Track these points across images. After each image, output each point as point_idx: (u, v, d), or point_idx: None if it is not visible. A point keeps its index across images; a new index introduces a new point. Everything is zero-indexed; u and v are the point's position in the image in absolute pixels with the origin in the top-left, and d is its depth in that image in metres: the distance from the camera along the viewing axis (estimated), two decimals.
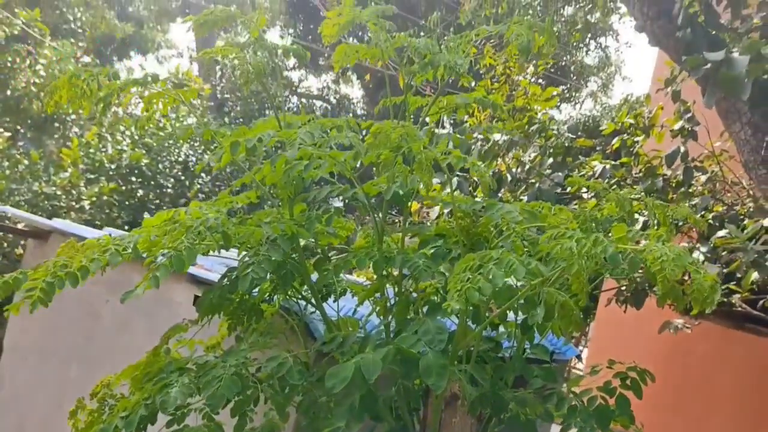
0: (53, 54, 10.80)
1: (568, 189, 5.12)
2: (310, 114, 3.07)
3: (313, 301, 2.89)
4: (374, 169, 2.57)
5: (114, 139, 10.74)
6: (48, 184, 9.54)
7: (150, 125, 9.92)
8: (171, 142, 11.05)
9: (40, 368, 4.86)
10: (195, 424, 2.53)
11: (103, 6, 18.22)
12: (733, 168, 5.04)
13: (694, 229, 4.71)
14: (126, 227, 8.91)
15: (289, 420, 2.60)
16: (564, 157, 5.60)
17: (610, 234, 2.28)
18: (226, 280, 2.72)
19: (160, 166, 10.89)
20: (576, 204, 4.93)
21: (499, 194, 5.66)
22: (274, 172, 2.61)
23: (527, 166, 5.64)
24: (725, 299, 4.41)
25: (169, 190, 10.73)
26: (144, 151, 10.72)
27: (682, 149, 4.90)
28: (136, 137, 10.87)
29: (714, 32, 3.82)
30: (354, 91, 25.08)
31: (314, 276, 2.83)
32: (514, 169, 5.74)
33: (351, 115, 22.06)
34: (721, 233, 4.30)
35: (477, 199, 3.02)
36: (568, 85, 20.21)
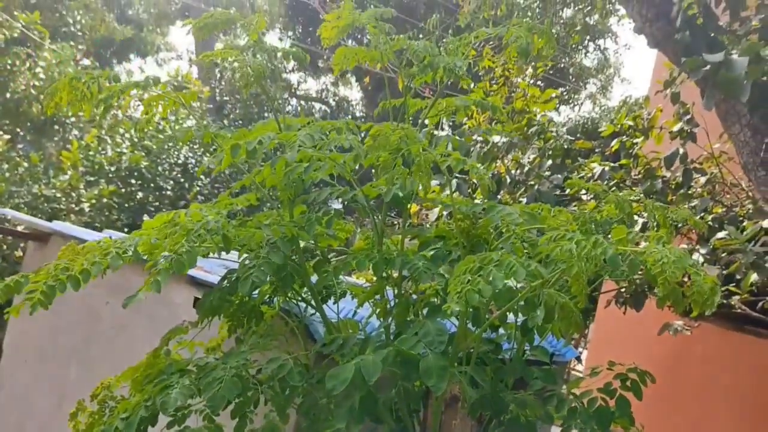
0: (53, 57, 10.80)
1: (567, 191, 5.13)
2: (309, 116, 3.07)
3: (313, 303, 2.89)
4: (373, 171, 2.57)
5: (113, 142, 10.75)
6: (48, 187, 9.54)
7: (149, 128, 9.94)
8: (170, 144, 11.06)
9: (40, 370, 4.86)
10: (195, 426, 2.53)
11: (102, 9, 18.22)
12: (733, 170, 5.04)
13: (693, 231, 4.71)
14: (126, 229, 8.92)
15: (289, 421, 2.61)
16: (563, 159, 5.61)
17: (609, 236, 2.28)
18: (226, 282, 2.73)
19: (160, 168, 10.90)
20: (575, 206, 4.94)
21: (498, 196, 5.66)
22: (274, 175, 2.61)
23: (526, 168, 5.65)
24: (724, 301, 4.41)
25: (168, 193, 10.73)
26: (143, 154, 10.73)
27: (681, 151, 4.90)
28: (136, 140, 10.88)
29: (713, 34, 3.83)
30: (353, 93, 25.13)
31: (314, 278, 2.83)
32: (513, 171, 5.74)
33: (350, 117, 22.08)
34: (720, 235, 4.31)
35: (476, 201, 3.03)
36: (567, 88, 20.24)
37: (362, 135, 2.76)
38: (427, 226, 4.07)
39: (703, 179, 5.04)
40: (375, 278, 2.84)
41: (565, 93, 20.18)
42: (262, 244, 2.54)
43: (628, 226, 2.40)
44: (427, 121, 3.13)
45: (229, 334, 2.95)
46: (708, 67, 3.39)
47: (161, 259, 2.17)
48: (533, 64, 6.49)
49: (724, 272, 4.19)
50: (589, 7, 9.65)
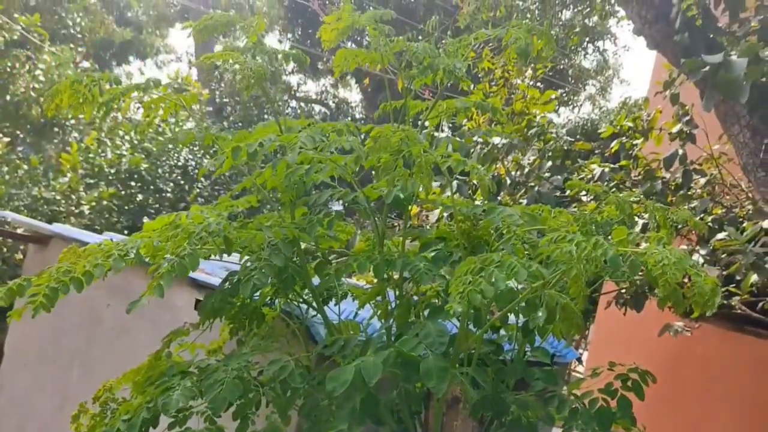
0: (52, 59, 10.80)
1: (568, 192, 5.13)
2: (308, 118, 3.08)
3: (314, 304, 2.89)
4: (374, 173, 2.58)
5: (113, 144, 10.75)
6: (47, 189, 9.54)
7: (149, 130, 9.95)
8: (170, 146, 11.06)
9: (41, 372, 4.86)
10: (197, 427, 2.54)
11: (101, 11, 18.24)
12: (732, 171, 5.05)
13: (693, 232, 4.72)
14: (125, 232, 8.92)
15: (290, 423, 2.61)
16: (563, 160, 5.62)
17: (610, 237, 2.29)
18: (227, 284, 2.73)
19: (160, 170, 10.89)
20: (575, 207, 4.94)
21: (498, 198, 5.67)
22: (275, 176, 2.62)
23: (526, 170, 5.65)
24: (725, 301, 4.41)
25: (168, 195, 10.73)
26: (143, 156, 10.73)
27: (681, 152, 4.91)
28: (136, 142, 10.88)
29: (712, 35, 3.84)
30: (353, 95, 25.15)
31: (315, 280, 2.84)
32: (513, 173, 5.75)
33: (350, 119, 22.06)
34: (720, 236, 4.31)
35: (477, 203, 3.03)
36: (567, 89, 20.26)
37: (362, 137, 2.77)
38: (428, 227, 4.07)
39: (702, 180, 5.05)
40: (375, 280, 2.84)
41: (564, 94, 20.21)
42: (264, 246, 2.55)
43: (628, 227, 2.40)
44: (427, 123, 3.14)
45: (231, 336, 2.95)
46: (707, 68, 3.40)
47: (164, 263, 2.17)
48: (532, 65, 6.50)
49: (724, 273, 4.20)
50: (588, 9, 9.67)
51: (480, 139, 5.62)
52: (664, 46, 3.97)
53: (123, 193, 10.17)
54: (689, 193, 4.94)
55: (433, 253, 2.75)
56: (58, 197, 9.41)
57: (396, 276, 2.80)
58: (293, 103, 24.34)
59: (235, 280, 2.67)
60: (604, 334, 7.63)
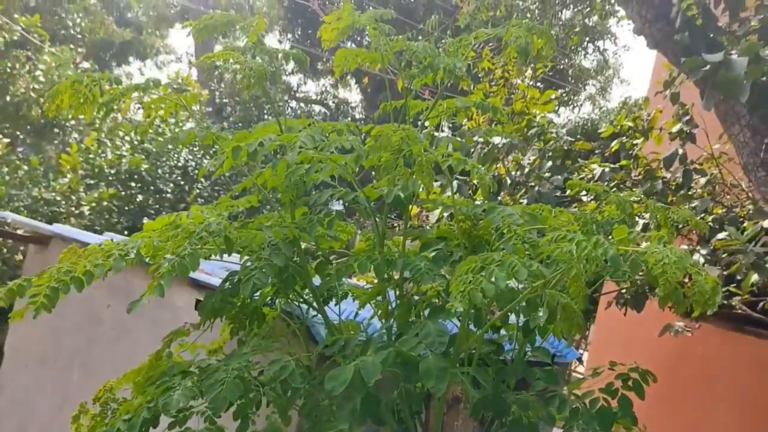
0: (52, 60, 10.80)
1: (568, 192, 5.13)
2: (308, 119, 3.07)
3: (314, 304, 2.89)
4: (374, 173, 2.57)
5: (113, 145, 10.75)
6: (47, 190, 9.54)
7: (150, 130, 9.95)
8: (170, 147, 11.07)
9: (42, 373, 4.86)
10: (197, 427, 2.54)
11: (101, 12, 18.24)
12: (733, 170, 5.05)
13: (693, 232, 4.72)
14: (126, 232, 8.92)
15: (291, 423, 2.61)
16: (563, 160, 5.62)
17: (611, 236, 2.28)
18: (227, 284, 2.73)
19: (160, 171, 10.90)
20: (576, 207, 4.94)
21: (499, 198, 5.67)
22: (276, 176, 2.62)
23: (526, 170, 5.66)
24: (725, 301, 4.41)
25: (168, 195, 10.73)
26: (143, 156, 10.73)
27: (681, 152, 4.91)
28: (136, 142, 10.88)
29: (712, 35, 3.83)
30: (352, 95, 25.15)
31: (316, 280, 2.84)
32: (513, 173, 5.75)
33: (350, 119, 22.07)
34: (720, 235, 4.31)
35: (477, 203, 3.03)
36: (567, 89, 20.26)
37: (363, 137, 2.77)
38: (428, 227, 4.07)
39: (703, 180, 5.05)
40: (376, 280, 2.84)
41: (564, 94, 20.21)
42: (264, 246, 2.54)
43: (629, 227, 2.40)
44: (427, 123, 3.13)
45: (231, 336, 2.95)
46: (707, 67, 3.39)
47: (164, 262, 2.17)
48: (532, 65, 6.50)
49: (725, 273, 4.20)
50: (588, 9, 9.67)
51: (480, 139, 5.62)
52: (664, 45, 3.97)
53: (123, 193, 10.17)
54: (690, 192, 4.94)
55: (433, 253, 2.74)
56: (58, 198, 9.42)
57: (396, 276, 2.80)
58: (293, 104, 24.35)
59: (235, 280, 2.67)
60: (604, 334, 7.62)
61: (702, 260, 4.35)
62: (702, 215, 4.61)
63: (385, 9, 3.03)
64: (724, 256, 4.28)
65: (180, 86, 11.68)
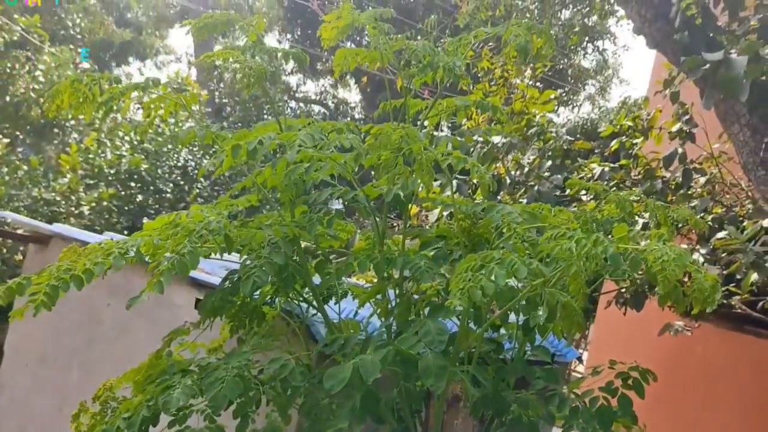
0: (52, 60, 10.81)
1: (567, 191, 5.13)
2: (308, 118, 3.07)
3: (314, 303, 2.89)
4: (373, 172, 2.57)
5: (113, 145, 10.76)
6: (47, 190, 9.55)
7: (149, 130, 9.96)
8: (170, 146, 11.07)
9: (41, 372, 4.86)
10: (197, 426, 2.54)
11: (101, 12, 18.24)
12: (732, 170, 5.05)
13: (693, 231, 4.72)
14: (125, 232, 8.92)
15: (291, 422, 2.61)
16: (563, 159, 5.62)
17: (611, 235, 2.28)
18: (227, 282, 2.73)
19: (159, 171, 10.90)
20: (575, 206, 4.94)
21: (498, 197, 5.67)
22: (275, 175, 2.62)
23: (526, 169, 5.66)
24: (725, 301, 4.42)
25: (168, 195, 10.74)
26: (143, 156, 10.74)
27: (680, 151, 4.91)
28: (135, 142, 10.89)
29: (712, 34, 3.84)
30: (352, 95, 25.15)
31: (315, 278, 2.84)
32: (513, 172, 5.75)
33: (349, 119, 22.07)
34: (720, 235, 4.31)
35: (477, 201, 3.03)
36: (566, 89, 20.26)
37: (362, 136, 2.77)
38: (427, 227, 4.07)
39: (702, 179, 5.05)
40: (376, 279, 2.84)
41: (564, 94, 20.21)
42: (264, 245, 2.55)
43: (628, 226, 2.40)
44: (426, 122, 3.13)
45: (231, 335, 2.95)
46: (707, 66, 3.40)
47: (164, 261, 2.17)
48: (532, 65, 6.50)
49: (725, 272, 4.20)
50: (588, 8, 9.67)
51: (480, 138, 5.62)
52: (664, 44, 3.97)
53: (123, 193, 10.18)
54: (689, 192, 4.95)
55: (433, 252, 2.75)
56: (57, 198, 9.42)
57: (396, 274, 2.80)
58: (293, 104, 24.35)
59: (235, 279, 2.67)
60: (604, 333, 7.63)
61: (701, 259, 4.35)
62: (701, 214, 4.61)
63: (384, 8, 3.03)
64: (723, 255, 4.29)
65: (179, 86, 11.69)
